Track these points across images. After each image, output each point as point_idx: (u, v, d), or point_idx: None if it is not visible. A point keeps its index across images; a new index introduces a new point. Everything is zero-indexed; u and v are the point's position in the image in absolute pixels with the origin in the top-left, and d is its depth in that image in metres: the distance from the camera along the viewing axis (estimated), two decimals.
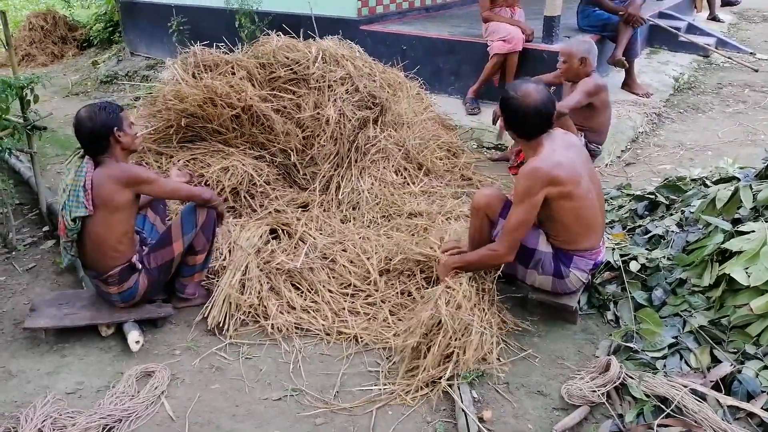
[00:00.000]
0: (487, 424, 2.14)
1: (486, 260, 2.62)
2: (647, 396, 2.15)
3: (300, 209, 3.56)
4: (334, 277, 2.99)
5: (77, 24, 9.58)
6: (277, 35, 4.06)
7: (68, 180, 2.49)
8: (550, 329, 2.67)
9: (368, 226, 3.44)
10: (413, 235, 3.28)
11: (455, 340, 2.34)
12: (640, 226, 3.21)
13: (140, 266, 2.62)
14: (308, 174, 3.73)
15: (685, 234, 2.90)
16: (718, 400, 2.10)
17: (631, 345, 2.45)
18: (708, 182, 3.34)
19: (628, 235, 3.19)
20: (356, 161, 3.79)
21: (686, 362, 2.34)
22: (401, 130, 4.07)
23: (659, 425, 2.04)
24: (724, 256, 2.60)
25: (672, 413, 2.06)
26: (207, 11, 6.93)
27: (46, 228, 3.65)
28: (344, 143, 3.76)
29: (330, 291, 2.89)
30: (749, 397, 2.11)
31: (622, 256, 2.92)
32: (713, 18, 9.19)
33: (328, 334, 2.66)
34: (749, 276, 2.40)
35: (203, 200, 2.71)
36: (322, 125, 3.69)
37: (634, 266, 2.83)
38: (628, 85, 5.71)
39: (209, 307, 2.72)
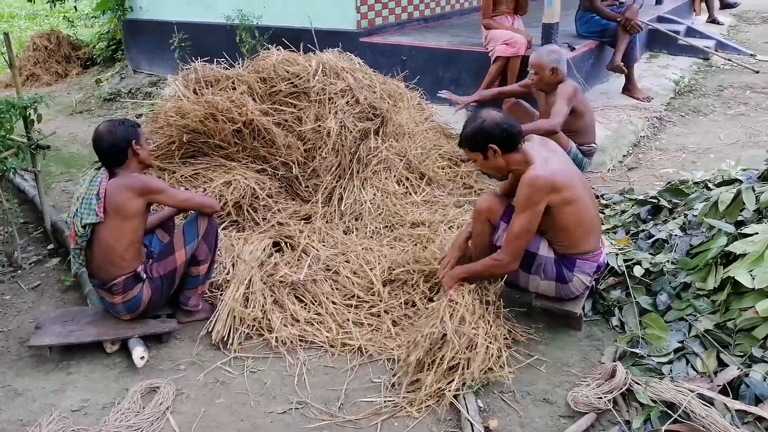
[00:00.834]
0: None
1: (491, 270, 2.62)
2: (654, 402, 2.13)
3: (303, 221, 3.57)
4: (337, 289, 2.99)
5: (80, 43, 9.68)
6: (278, 49, 4.10)
7: (82, 189, 2.58)
8: (555, 336, 2.66)
9: (371, 237, 3.44)
10: (416, 245, 3.28)
11: (461, 353, 2.33)
12: (643, 230, 3.20)
13: (144, 276, 2.65)
14: (310, 186, 3.74)
15: (689, 238, 2.88)
16: (725, 405, 2.07)
17: (636, 350, 2.44)
18: (710, 185, 3.33)
19: (632, 239, 3.18)
20: (358, 172, 3.81)
21: (693, 367, 2.32)
22: (402, 141, 4.09)
23: (667, 431, 2.02)
24: (728, 259, 2.58)
25: (679, 419, 2.04)
26: (208, 27, 6.99)
27: (50, 246, 3.67)
28: (346, 155, 3.77)
29: (333, 303, 2.89)
30: (757, 400, 2.09)
31: (625, 261, 2.91)
32: (712, 20, 9.20)
33: (332, 346, 2.65)
34: (754, 278, 2.38)
35: (213, 210, 2.78)
36: (323, 137, 3.71)
37: (638, 271, 2.82)
38: (628, 90, 5.71)
39: (213, 322, 2.72)
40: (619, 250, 3.02)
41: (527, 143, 2.58)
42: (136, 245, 2.64)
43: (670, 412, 2.08)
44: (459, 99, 4.53)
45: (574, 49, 5.32)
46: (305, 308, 2.86)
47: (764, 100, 5.80)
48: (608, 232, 3.33)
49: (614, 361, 2.41)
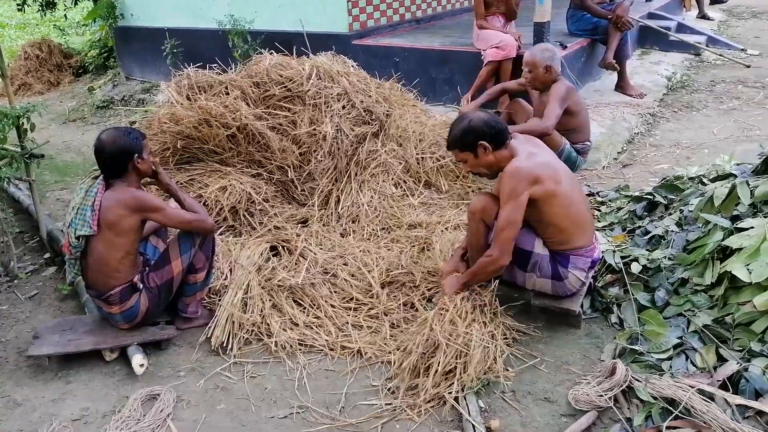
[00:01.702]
0: None
1: (485, 268, 2.62)
2: (655, 398, 2.14)
3: (299, 225, 3.56)
4: (335, 292, 2.99)
5: (72, 51, 9.65)
6: (270, 53, 4.09)
7: (78, 199, 2.55)
8: (555, 335, 2.66)
9: (368, 239, 3.44)
10: (413, 246, 3.28)
11: (456, 357, 2.33)
12: (639, 227, 3.21)
13: (141, 286, 2.63)
14: (306, 189, 3.74)
15: (685, 233, 2.90)
16: (726, 400, 2.08)
17: (636, 347, 2.44)
18: (705, 180, 3.35)
19: (628, 236, 3.19)
20: (356, 175, 3.80)
21: (692, 362, 2.33)
22: (401, 143, 4.08)
23: (668, 427, 2.02)
24: (724, 253, 2.59)
25: (680, 415, 2.05)
26: (200, 33, 6.99)
27: (47, 255, 3.65)
28: (342, 158, 3.77)
29: (332, 306, 2.89)
30: (757, 395, 2.09)
31: (623, 258, 2.92)
32: (702, 16, 9.26)
33: (331, 350, 2.65)
34: (751, 273, 2.40)
35: (207, 233, 2.73)
36: (318, 141, 3.71)
37: (635, 268, 2.83)
38: (621, 86, 5.74)
39: (212, 327, 2.72)
40: (616, 247, 3.03)
41: (513, 140, 2.62)
42: (131, 257, 2.61)
43: (670, 408, 2.08)
44: (469, 105, 4.46)
45: (566, 47, 5.34)
46: (304, 312, 2.85)
47: (756, 95, 5.84)
48: (605, 229, 3.34)
49: (614, 358, 2.41)
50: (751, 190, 2.80)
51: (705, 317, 2.46)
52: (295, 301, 2.90)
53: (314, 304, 2.89)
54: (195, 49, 6.87)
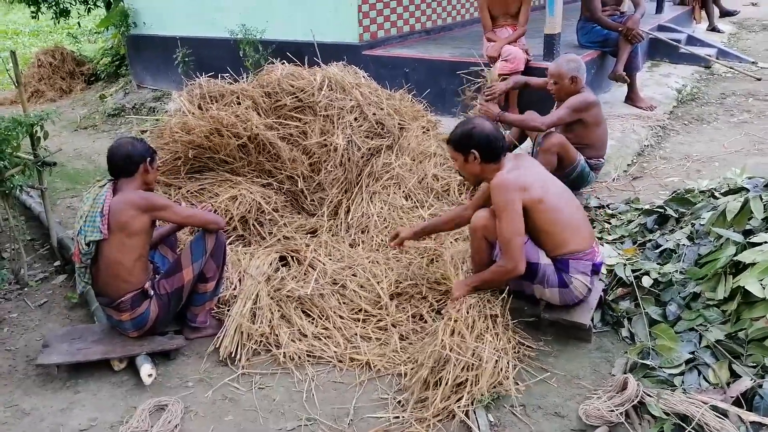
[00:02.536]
0: None
1: (500, 276, 2.63)
2: (667, 414, 2.11)
3: (309, 235, 3.56)
4: (344, 303, 2.98)
5: (84, 59, 9.75)
6: (282, 63, 4.12)
7: (86, 207, 2.58)
8: (565, 348, 2.64)
9: (377, 250, 3.43)
10: (422, 257, 3.27)
11: (467, 370, 2.31)
12: (650, 240, 3.19)
13: (152, 292, 2.64)
14: (316, 200, 3.74)
15: (697, 247, 2.87)
16: (740, 417, 2.06)
17: (647, 362, 2.42)
18: (717, 194, 3.33)
19: (639, 249, 3.17)
20: (367, 186, 3.81)
21: (705, 378, 2.31)
22: (410, 156, 4.06)
23: None
24: (737, 268, 2.57)
25: (693, 431, 2.02)
26: (211, 42, 7.04)
27: (57, 263, 3.67)
28: (352, 169, 3.77)
29: (341, 317, 2.88)
30: None
31: (633, 271, 2.90)
32: (713, 29, 9.24)
33: (340, 361, 2.64)
34: (764, 288, 2.38)
35: (218, 227, 2.77)
36: (329, 152, 3.72)
37: (646, 281, 2.81)
38: (631, 99, 5.72)
39: (221, 338, 2.71)
40: (627, 260, 3.01)
41: (506, 159, 2.69)
42: (142, 260, 2.64)
43: (683, 424, 2.06)
44: (490, 109, 4.06)
45: None
46: (312, 323, 2.85)
47: (767, 108, 5.80)
48: (615, 242, 3.32)
49: (625, 372, 2.39)
50: (764, 205, 2.77)
51: (717, 332, 2.44)
52: (304, 312, 2.89)
53: (323, 315, 2.88)
54: (206, 58, 6.92)
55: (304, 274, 3.13)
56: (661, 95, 6.09)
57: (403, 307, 2.93)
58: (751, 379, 2.18)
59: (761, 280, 2.41)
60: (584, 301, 2.70)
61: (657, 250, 3.06)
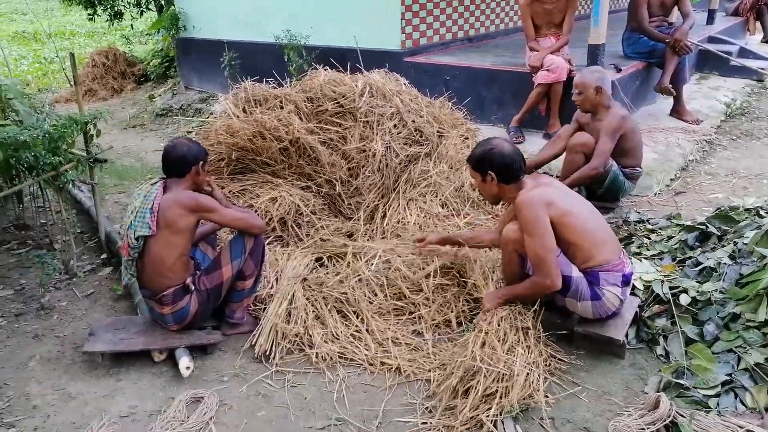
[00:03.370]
0: None
1: (534, 291, 2.65)
2: None
3: (346, 238, 3.62)
4: (382, 290, 3.03)
5: (135, 60, 10.12)
6: (325, 69, 4.20)
7: (137, 203, 2.69)
8: (597, 364, 2.62)
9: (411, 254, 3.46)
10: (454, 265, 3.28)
11: (498, 381, 2.32)
12: (690, 257, 3.13)
13: (193, 287, 2.74)
14: (353, 204, 3.80)
15: (738, 266, 2.81)
16: None
17: (681, 381, 2.38)
18: (763, 212, 3.24)
19: (678, 266, 3.11)
20: (404, 192, 3.84)
21: (741, 401, 2.26)
22: (447, 164, 4.08)
23: None
24: None
25: None
26: (257, 46, 7.21)
27: (104, 255, 3.83)
28: (389, 175, 3.82)
29: (380, 312, 2.93)
30: None
31: (671, 288, 2.85)
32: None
33: (371, 364, 2.68)
34: None
35: (261, 231, 2.86)
36: (368, 157, 3.78)
37: (684, 299, 2.76)
38: (677, 111, 5.61)
39: (257, 335, 2.79)
40: (665, 277, 2.96)
41: (527, 177, 2.72)
42: (184, 258, 2.74)
43: None
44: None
45: (620, 70, 5.26)
46: (346, 324, 2.89)
47: None
48: (654, 258, 3.27)
49: (658, 391, 2.36)
50: None
51: (757, 355, 2.38)
52: (339, 312, 2.94)
53: (358, 315, 2.92)
54: (252, 62, 7.10)
55: (337, 275, 3.17)
56: (709, 109, 5.95)
57: (436, 311, 2.94)
58: None
59: None
60: (618, 314, 2.68)
61: (697, 268, 3.00)
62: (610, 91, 3.80)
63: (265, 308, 2.94)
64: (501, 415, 2.27)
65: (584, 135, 3.83)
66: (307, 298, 2.95)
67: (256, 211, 3.56)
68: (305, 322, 2.83)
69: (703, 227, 3.30)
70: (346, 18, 6.34)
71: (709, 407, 2.25)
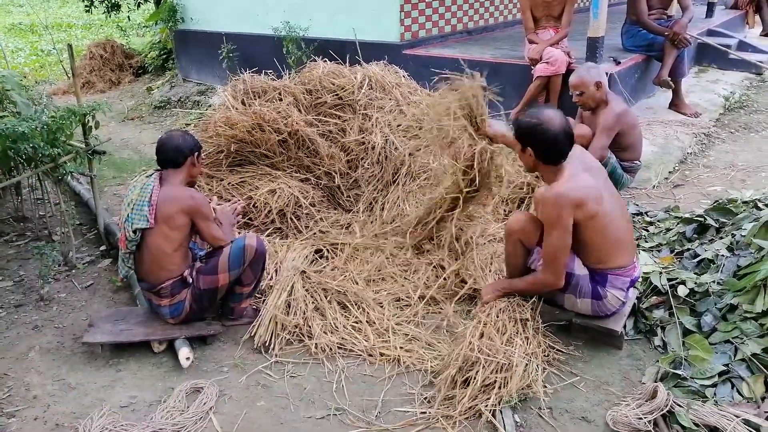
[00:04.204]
0: None
1: (536, 288, 2.65)
2: (696, 425, 2.09)
3: (343, 230, 3.63)
4: (377, 293, 3.03)
5: (133, 52, 10.08)
6: (324, 61, 4.19)
7: (133, 195, 2.67)
8: (595, 354, 2.64)
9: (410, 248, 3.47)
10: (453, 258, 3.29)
11: (497, 372, 2.34)
12: (688, 249, 3.14)
13: (191, 280, 2.74)
14: (352, 196, 3.81)
15: (736, 258, 2.82)
16: None
17: (679, 372, 2.39)
18: (760, 204, 3.25)
19: (676, 258, 3.12)
20: (404, 185, 3.85)
21: (738, 391, 2.27)
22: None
23: None
24: None
25: None
26: (255, 38, 7.19)
27: (103, 247, 3.83)
28: (388, 168, 3.82)
29: (373, 309, 2.93)
30: None
31: (669, 280, 2.86)
32: (767, 34, 8.94)
33: (370, 355, 2.69)
34: None
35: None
36: (367, 150, 3.78)
37: (682, 291, 2.77)
38: (675, 104, 5.61)
39: (256, 326, 2.80)
40: (663, 268, 2.97)
41: (565, 162, 2.53)
42: (183, 249, 2.74)
43: None
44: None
45: (619, 63, 5.26)
46: (345, 316, 2.90)
47: None
48: (652, 250, 3.28)
49: (655, 381, 2.37)
50: None
51: (754, 346, 2.39)
52: (338, 303, 2.95)
53: (358, 306, 2.93)
54: (250, 54, 7.08)
55: (337, 266, 3.19)
56: (708, 102, 5.95)
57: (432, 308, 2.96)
58: None
59: None
60: (619, 314, 2.68)
61: (695, 260, 3.01)
62: (608, 85, 3.80)
63: (264, 300, 2.94)
64: (500, 405, 2.28)
65: (583, 127, 3.84)
66: (307, 290, 2.95)
67: (254, 204, 3.56)
68: (304, 314, 2.83)
69: (702, 219, 3.31)
70: (346, 10, 6.31)
71: (706, 397, 2.27)
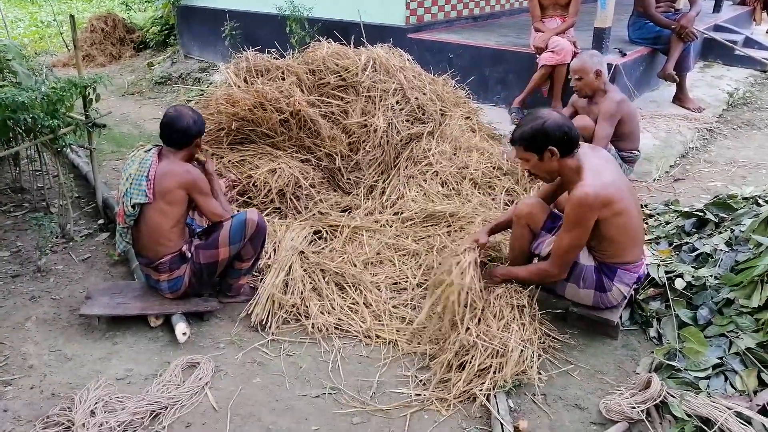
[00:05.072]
0: None
1: (537, 278, 2.66)
2: (689, 416, 2.11)
3: (343, 213, 3.62)
4: (375, 275, 3.03)
5: (135, 26, 9.96)
6: (328, 42, 4.15)
7: (131, 170, 2.65)
8: (591, 343, 2.65)
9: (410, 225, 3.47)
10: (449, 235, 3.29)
11: (492, 357, 2.35)
12: (687, 243, 3.15)
13: (189, 255, 2.73)
14: (352, 179, 3.79)
15: (734, 253, 2.83)
16: (764, 425, 2.04)
17: (673, 363, 2.41)
18: (760, 201, 3.25)
19: (675, 251, 3.13)
20: (405, 168, 3.83)
21: (731, 384, 2.29)
22: (450, 144, 4.05)
23: None
24: None
25: None
26: (259, 17, 7.12)
27: (101, 221, 3.81)
28: (390, 151, 3.80)
29: (371, 291, 2.94)
30: None
31: (667, 272, 2.87)
32: None
33: (367, 336, 2.70)
34: None
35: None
36: (369, 132, 3.76)
37: (679, 284, 2.78)
38: (679, 99, 5.59)
39: (253, 305, 2.80)
40: (661, 261, 2.98)
41: (580, 149, 2.52)
42: (181, 225, 2.74)
43: (705, 427, 2.06)
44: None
45: (625, 54, 5.23)
46: (342, 297, 2.90)
47: None
48: (651, 243, 3.28)
49: (650, 371, 2.39)
50: None
51: (749, 340, 2.41)
52: (336, 284, 2.95)
53: (356, 288, 2.94)
54: (253, 33, 7.01)
55: (337, 248, 3.18)
56: (712, 97, 5.93)
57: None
58: None
59: None
60: (617, 305, 2.69)
61: (693, 254, 3.01)
62: (608, 75, 3.79)
63: (262, 278, 2.94)
64: (494, 389, 2.30)
65: (585, 118, 3.83)
66: (305, 270, 2.95)
67: (254, 183, 3.54)
68: (302, 293, 2.84)
69: (701, 214, 3.31)
70: None
71: (699, 389, 2.28)
